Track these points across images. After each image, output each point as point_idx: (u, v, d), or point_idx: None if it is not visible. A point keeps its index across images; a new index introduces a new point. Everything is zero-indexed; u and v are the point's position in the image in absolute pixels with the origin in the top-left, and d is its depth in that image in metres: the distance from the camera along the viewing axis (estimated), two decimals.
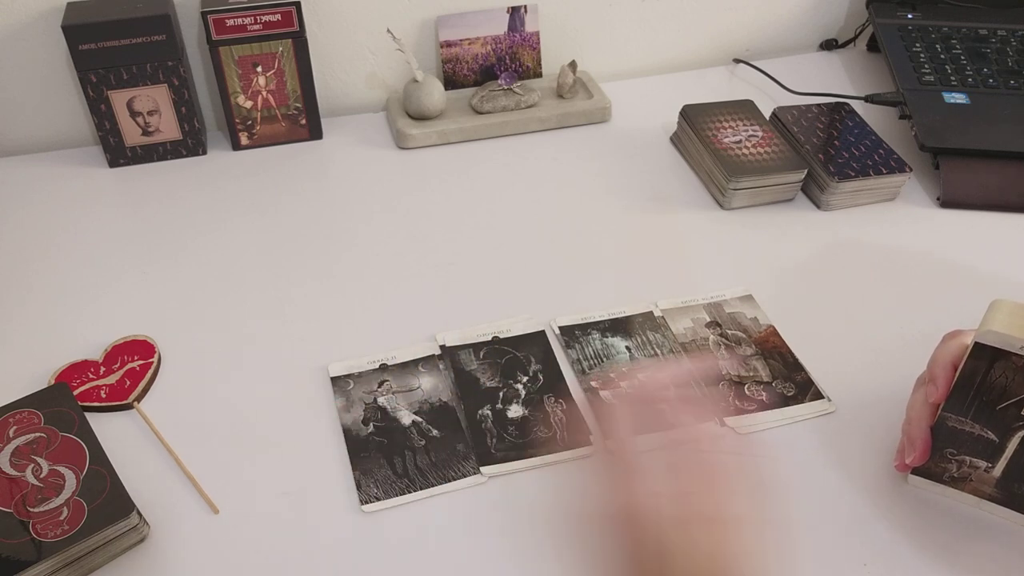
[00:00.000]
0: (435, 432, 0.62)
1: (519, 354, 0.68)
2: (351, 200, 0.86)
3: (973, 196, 0.84)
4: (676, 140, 0.94)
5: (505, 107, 0.95)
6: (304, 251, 0.79)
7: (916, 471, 0.56)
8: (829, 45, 1.13)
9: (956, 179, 0.85)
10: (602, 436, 0.48)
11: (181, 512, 0.57)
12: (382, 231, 0.82)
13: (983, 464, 0.54)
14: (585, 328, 0.70)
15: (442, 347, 0.69)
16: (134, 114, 0.87)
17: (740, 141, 0.87)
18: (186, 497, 0.58)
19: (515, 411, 0.64)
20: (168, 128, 0.89)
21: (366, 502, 0.57)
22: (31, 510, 0.53)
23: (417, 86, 0.92)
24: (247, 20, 0.85)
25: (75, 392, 0.63)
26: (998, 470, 0.53)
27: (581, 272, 0.77)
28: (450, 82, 0.99)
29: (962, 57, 0.97)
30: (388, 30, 0.93)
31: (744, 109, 0.92)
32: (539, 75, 1.02)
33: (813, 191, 0.85)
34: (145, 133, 0.89)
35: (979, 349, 0.51)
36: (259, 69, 0.88)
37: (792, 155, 0.85)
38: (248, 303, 0.73)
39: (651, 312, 0.72)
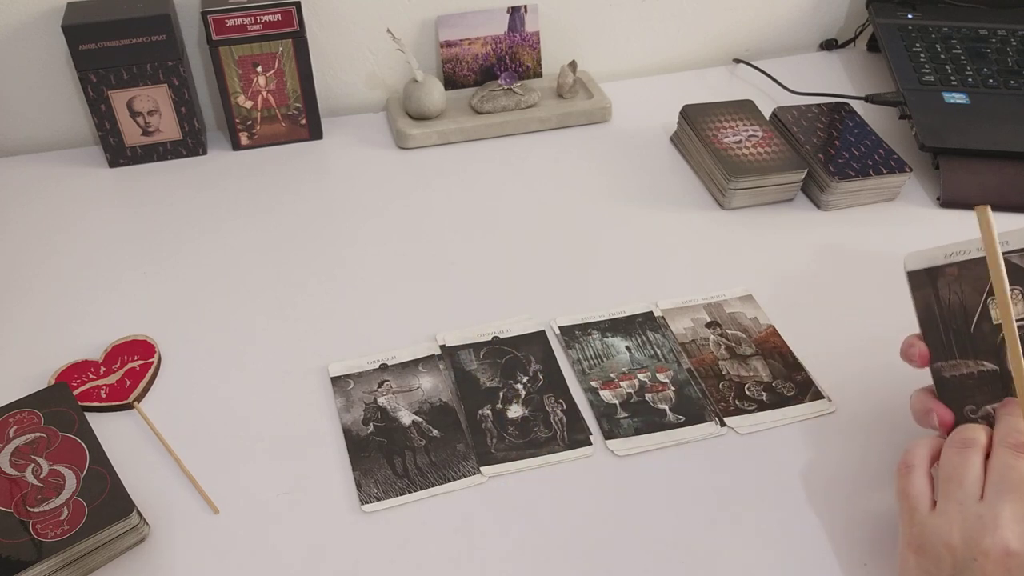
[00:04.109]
0: (435, 432, 0.62)
1: (519, 354, 0.68)
2: (351, 200, 0.86)
3: (973, 196, 0.84)
4: (676, 140, 0.94)
5: (505, 107, 0.95)
6: (304, 251, 0.79)
7: None
8: (829, 45, 1.13)
9: (956, 179, 0.85)
10: None
11: (181, 512, 0.57)
12: (382, 231, 0.82)
13: None
14: (585, 328, 0.70)
15: (442, 347, 0.69)
16: (134, 114, 0.87)
17: (740, 141, 0.87)
18: (186, 497, 0.58)
19: (515, 411, 0.64)
20: (168, 128, 0.89)
21: (366, 502, 0.57)
22: (31, 510, 0.53)
23: (417, 86, 0.92)
24: (247, 20, 0.85)
25: (75, 392, 0.63)
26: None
27: (581, 272, 0.77)
28: (450, 82, 0.99)
29: (962, 57, 0.97)
30: (388, 30, 0.93)
31: (744, 109, 0.92)
32: (539, 75, 1.02)
33: (813, 191, 0.85)
34: (145, 133, 0.89)
35: (914, 278, 0.54)
36: (259, 69, 0.88)
37: (792, 155, 0.85)
38: (248, 303, 0.73)
39: (651, 312, 0.72)
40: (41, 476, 0.55)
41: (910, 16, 1.03)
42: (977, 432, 0.48)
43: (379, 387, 0.65)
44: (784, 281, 0.76)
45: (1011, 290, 0.50)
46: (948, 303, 0.52)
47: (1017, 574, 0.42)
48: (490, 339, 0.69)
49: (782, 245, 0.80)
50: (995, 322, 0.51)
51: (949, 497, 0.47)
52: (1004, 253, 0.51)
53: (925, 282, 0.54)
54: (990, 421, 0.51)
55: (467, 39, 0.98)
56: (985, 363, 0.51)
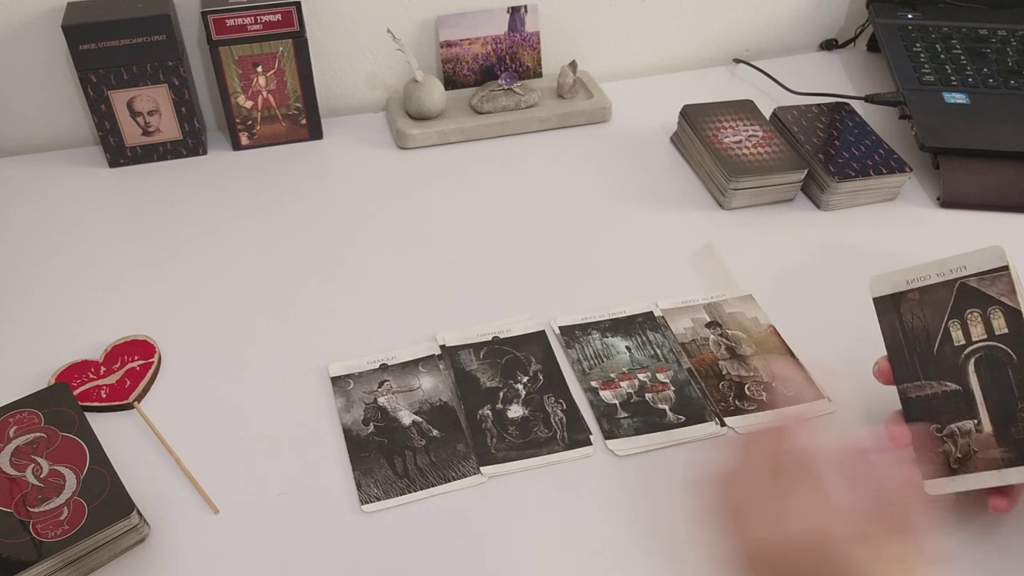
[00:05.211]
0: (435, 432, 0.62)
1: (519, 354, 0.68)
2: (351, 200, 0.86)
3: (973, 196, 0.84)
4: (676, 140, 0.94)
5: (505, 107, 0.95)
6: (304, 251, 0.79)
7: (926, 476, 0.54)
8: (829, 45, 1.13)
9: (956, 179, 0.85)
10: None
11: (181, 512, 0.57)
12: (382, 231, 0.82)
13: (970, 425, 0.52)
14: (585, 328, 0.70)
15: (442, 347, 0.69)
16: (134, 114, 0.87)
17: (740, 141, 0.87)
18: (186, 497, 0.58)
19: (515, 411, 0.64)
20: (168, 128, 0.89)
21: (366, 502, 0.57)
22: (31, 510, 0.53)
23: (417, 86, 0.92)
24: (247, 20, 0.85)
25: (75, 392, 0.63)
26: (985, 423, 0.52)
27: (581, 272, 0.77)
28: (450, 82, 0.99)
29: (962, 57, 0.97)
30: (388, 30, 0.93)
31: (744, 109, 0.92)
32: (539, 75, 1.02)
33: (813, 191, 0.85)
34: (145, 133, 0.89)
35: (880, 303, 0.56)
36: (259, 69, 0.88)
37: (792, 155, 0.85)
38: (248, 303, 0.73)
39: (651, 312, 0.72)
40: (41, 476, 0.55)
41: (910, 16, 1.03)
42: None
43: (379, 387, 0.65)
44: (784, 281, 0.76)
45: (970, 312, 0.53)
46: (912, 327, 0.55)
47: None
48: (490, 339, 0.69)
49: (782, 245, 0.80)
50: (956, 344, 0.53)
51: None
52: (961, 277, 0.53)
53: (890, 307, 0.56)
54: (955, 439, 0.53)
55: (467, 39, 0.98)
56: (948, 383, 0.53)
